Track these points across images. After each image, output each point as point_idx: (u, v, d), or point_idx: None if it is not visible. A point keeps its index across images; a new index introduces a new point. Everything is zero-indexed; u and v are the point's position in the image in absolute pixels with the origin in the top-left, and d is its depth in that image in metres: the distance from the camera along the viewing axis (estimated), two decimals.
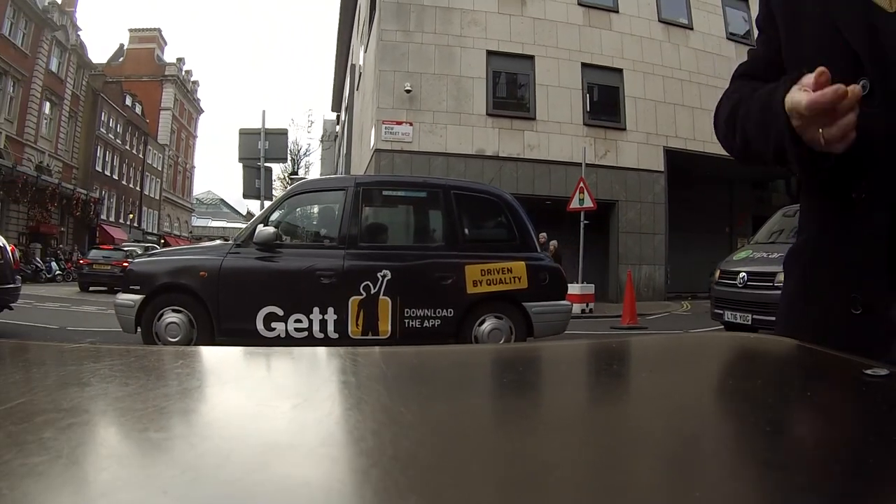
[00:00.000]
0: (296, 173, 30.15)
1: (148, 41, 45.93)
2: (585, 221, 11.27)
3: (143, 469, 0.30)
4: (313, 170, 32.81)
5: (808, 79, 0.69)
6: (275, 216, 4.99)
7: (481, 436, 0.40)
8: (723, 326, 7.09)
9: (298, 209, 5.30)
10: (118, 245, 20.67)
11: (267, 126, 9.36)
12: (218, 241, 5.54)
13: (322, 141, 34.56)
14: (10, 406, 0.39)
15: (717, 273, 7.52)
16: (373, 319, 4.67)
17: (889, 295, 0.71)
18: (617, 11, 15.09)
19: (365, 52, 17.25)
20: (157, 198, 43.86)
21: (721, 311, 7.19)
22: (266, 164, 9.35)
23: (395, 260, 4.82)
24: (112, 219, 35.21)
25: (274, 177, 11.64)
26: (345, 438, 0.38)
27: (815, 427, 0.41)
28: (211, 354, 0.69)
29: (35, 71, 25.04)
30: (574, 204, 11.19)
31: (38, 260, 21.47)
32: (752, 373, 0.58)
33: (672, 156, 14.95)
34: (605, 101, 14.77)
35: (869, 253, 0.73)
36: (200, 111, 54.92)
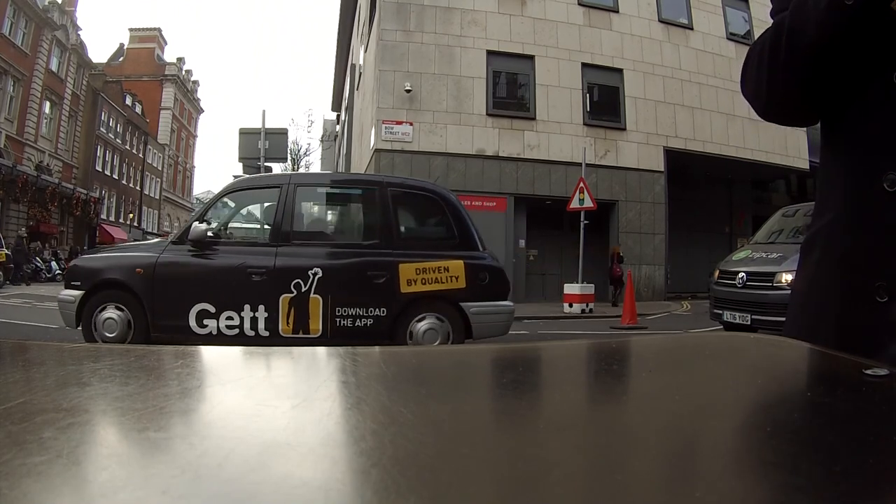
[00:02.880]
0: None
1: (148, 41, 45.97)
2: (585, 221, 11.28)
3: (143, 469, 0.30)
4: (313, 169, 32.81)
5: None
6: (210, 214, 5.00)
7: (481, 436, 0.40)
8: (722, 326, 7.09)
9: (234, 207, 5.27)
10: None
11: (267, 126, 9.37)
12: (158, 239, 5.59)
13: (322, 141, 34.56)
14: (9, 406, 0.39)
15: (717, 273, 7.52)
16: (304, 318, 4.62)
17: None
18: (617, 11, 15.10)
19: (365, 51, 17.25)
20: (157, 197, 43.88)
21: (720, 311, 7.20)
22: (266, 164, 9.37)
23: (327, 258, 4.76)
24: (112, 218, 35.21)
25: None
26: (344, 438, 0.38)
27: (815, 427, 0.41)
28: (211, 354, 0.69)
29: (35, 70, 25.05)
30: (574, 204, 11.20)
31: (38, 259, 21.44)
32: (752, 373, 0.58)
33: (672, 156, 14.96)
34: (605, 101, 14.79)
35: None
36: (200, 111, 54.93)
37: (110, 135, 34.64)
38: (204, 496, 0.27)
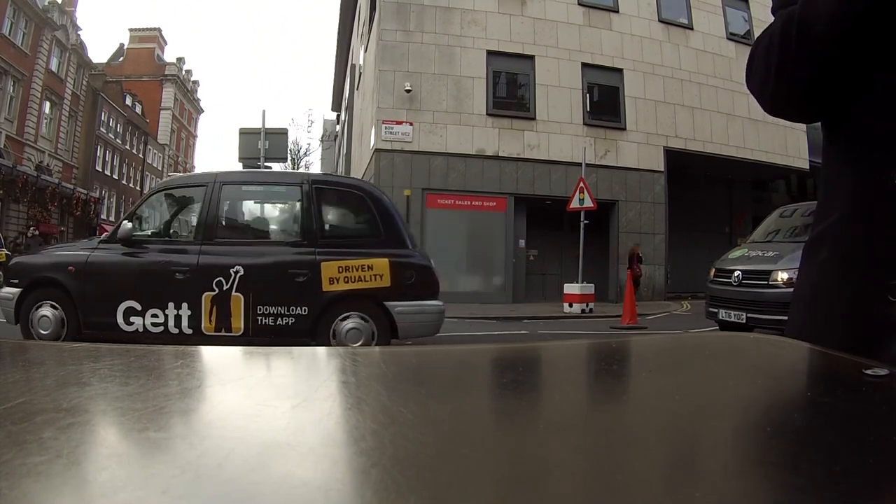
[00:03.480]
0: None
1: (148, 41, 45.98)
2: (585, 221, 11.27)
3: (143, 469, 0.31)
4: (313, 169, 32.84)
5: None
6: (140, 213, 5.07)
7: (481, 436, 0.40)
8: (718, 325, 7.07)
9: (163, 206, 5.31)
10: None
11: (267, 126, 9.37)
12: (94, 238, 5.76)
13: (322, 141, 34.59)
14: (9, 406, 0.39)
15: (713, 271, 7.46)
16: (225, 316, 4.63)
17: None
18: (617, 11, 15.10)
19: (365, 51, 17.26)
20: None
21: (715, 310, 7.15)
22: (266, 164, 9.37)
23: (250, 256, 4.77)
24: (112, 218, 35.18)
25: None
26: (344, 438, 0.38)
27: (815, 427, 0.41)
28: (211, 354, 0.69)
29: (35, 70, 25.05)
30: (574, 204, 11.21)
31: None
32: (752, 373, 0.58)
33: (672, 156, 14.96)
34: (605, 101, 14.79)
35: None
36: (200, 111, 54.93)
37: (110, 135, 34.63)
38: (204, 496, 0.27)
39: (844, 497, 0.28)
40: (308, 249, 4.81)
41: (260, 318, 4.65)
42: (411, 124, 13.42)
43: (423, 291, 4.96)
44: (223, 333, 4.64)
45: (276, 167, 11.55)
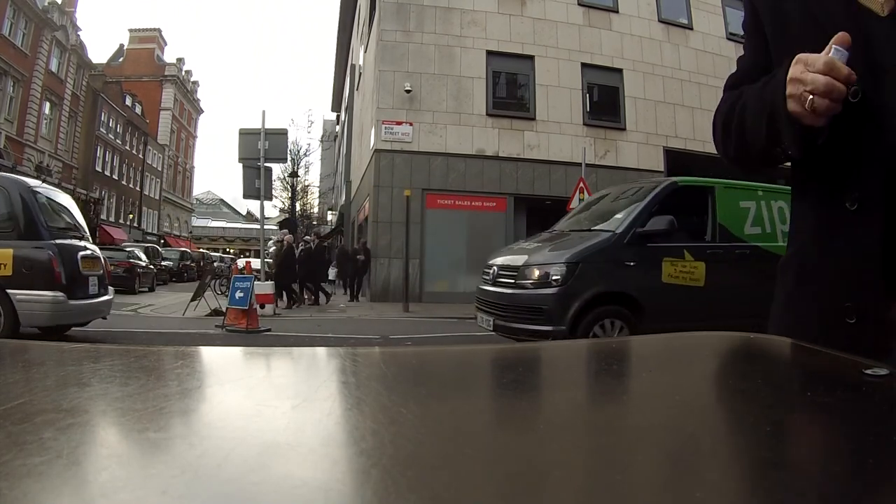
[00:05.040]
0: (295, 173, 30.23)
1: (148, 41, 45.93)
2: None
3: (143, 469, 0.30)
4: (313, 170, 32.87)
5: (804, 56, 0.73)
6: None
7: (481, 436, 0.40)
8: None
9: None
10: (119, 245, 20.73)
11: (267, 126, 9.36)
12: None
13: (322, 141, 34.60)
14: (10, 406, 0.39)
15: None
16: None
17: (884, 303, 0.72)
18: (617, 11, 15.10)
19: (365, 52, 17.26)
20: (157, 198, 43.84)
21: (476, 314, 5.70)
22: (266, 164, 9.35)
23: None
24: (112, 219, 35.18)
25: (274, 177, 11.64)
26: (345, 438, 0.38)
27: (815, 427, 0.41)
28: (211, 354, 0.69)
29: (35, 71, 25.04)
30: (574, 204, 11.20)
31: None
32: (751, 373, 0.58)
33: (672, 156, 14.95)
34: (605, 101, 14.78)
35: (863, 262, 0.73)
36: (200, 111, 54.90)
37: (110, 135, 34.62)
38: (204, 496, 0.27)
39: (844, 497, 0.28)
40: None
41: None
42: (411, 124, 13.41)
43: (40, 281, 5.46)
44: None
45: (277, 168, 11.51)
